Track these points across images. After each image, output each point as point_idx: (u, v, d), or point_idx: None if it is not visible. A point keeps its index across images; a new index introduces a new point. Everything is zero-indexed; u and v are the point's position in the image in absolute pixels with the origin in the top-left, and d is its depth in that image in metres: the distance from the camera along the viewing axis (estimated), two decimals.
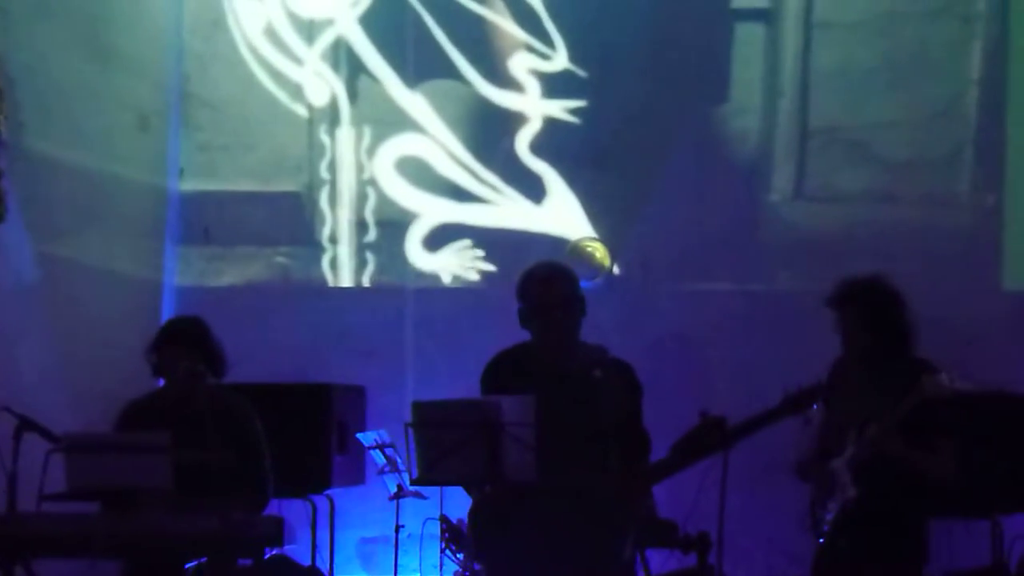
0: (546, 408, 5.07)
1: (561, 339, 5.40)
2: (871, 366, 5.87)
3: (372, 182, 8.29)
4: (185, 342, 5.97)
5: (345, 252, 8.29)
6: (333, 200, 8.30)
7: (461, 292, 8.14)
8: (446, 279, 8.21)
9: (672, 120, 7.97)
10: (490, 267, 8.16)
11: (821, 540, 5.81)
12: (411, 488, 6.83)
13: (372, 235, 8.28)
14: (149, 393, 6.22)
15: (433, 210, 8.22)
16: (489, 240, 8.17)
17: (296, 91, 8.33)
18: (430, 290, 8.17)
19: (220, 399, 5.92)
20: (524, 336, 5.64)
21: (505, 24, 8.18)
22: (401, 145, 8.27)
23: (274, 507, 6.53)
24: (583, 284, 5.65)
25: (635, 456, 5.31)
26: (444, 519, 7.02)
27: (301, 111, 8.33)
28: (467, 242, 8.17)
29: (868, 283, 5.95)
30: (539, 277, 5.54)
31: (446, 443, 4.96)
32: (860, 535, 5.72)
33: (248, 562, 5.28)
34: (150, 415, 5.95)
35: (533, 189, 8.12)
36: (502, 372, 5.51)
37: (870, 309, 5.87)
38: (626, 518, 5.24)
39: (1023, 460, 6.65)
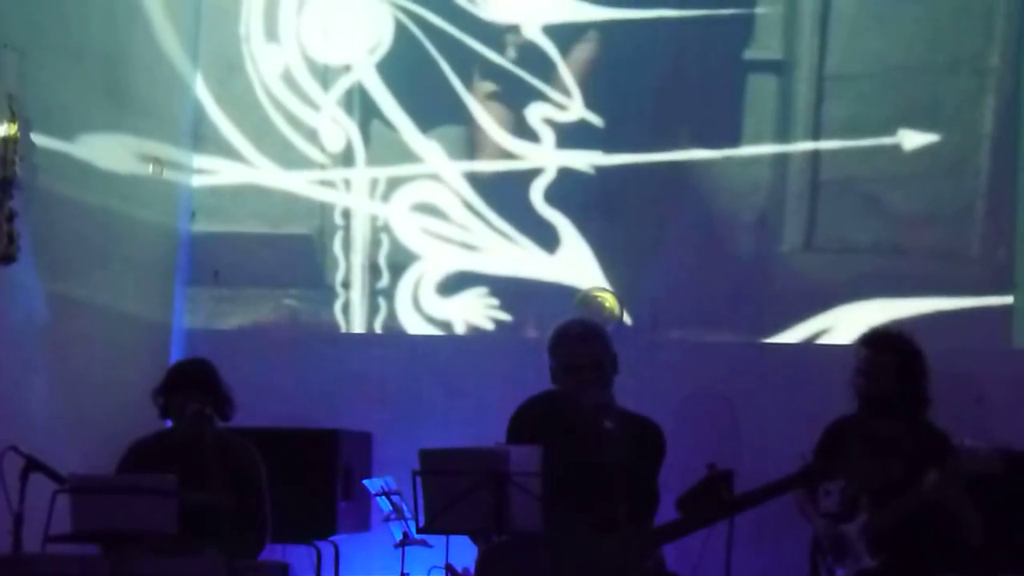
0: (558, 457, 5.07)
1: (581, 395, 5.41)
2: (886, 420, 5.86)
3: (386, 228, 8.30)
4: (194, 385, 5.99)
5: (357, 297, 8.30)
6: (347, 245, 8.31)
7: (472, 340, 8.13)
8: (459, 326, 8.20)
9: (683, 170, 7.98)
10: (502, 315, 8.16)
11: None
12: (417, 536, 6.81)
13: (385, 281, 8.28)
14: (155, 433, 6.23)
15: (446, 257, 8.23)
16: (500, 288, 8.17)
17: (311, 136, 8.36)
18: (441, 337, 8.17)
19: (226, 442, 5.93)
20: (535, 385, 5.66)
21: (521, 73, 8.21)
22: (415, 191, 8.29)
23: (279, 552, 6.53)
24: None
25: (639, 514, 5.30)
26: (450, 568, 6.98)
27: (316, 156, 8.36)
28: (483, 290, 8.17)
29: (906, 335, 6.11)
30: (572, 336, 5.58)
31: (453, 492, 4.95)
32: None
33: None
34: (155, 456, 5.96)
35: (546, 238, 8.12)
36: (529, 419, 5.54)
37: (905, 359, 5.90)
38: (632, 572, 5.22)
39: None
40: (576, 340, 5.56)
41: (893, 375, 5.94)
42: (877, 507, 5.72)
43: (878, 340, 6.05)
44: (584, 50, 8.19)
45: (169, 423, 6.21)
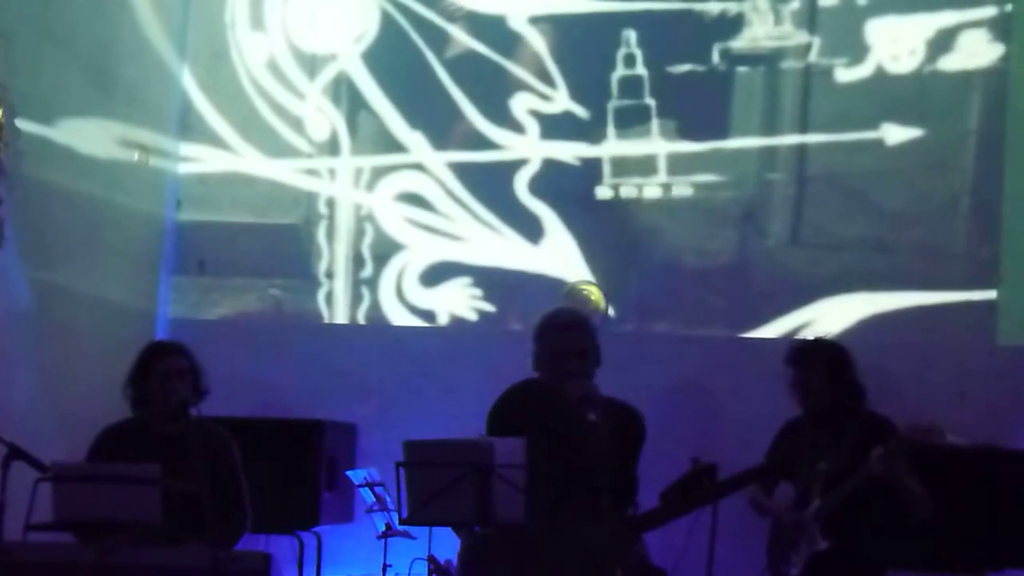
0: (541, 449, 5.07)
1: (567, 386, 5.40)
2: (829, 423, 5.98)
3: (370, 217, 8.29)
4: (174, 352, 5.96)
5: (341, 287, 8.29)
6: (330, 235, 8.31)
7: (456, 330, 8.13)
8: (442, 317, 8.20)
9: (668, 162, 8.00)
10: (486, 306, 8.16)
11: None
12: (400, 527, 6.81)
13: (368, 270, 8.28)
14: (128, 419, 6.12)
15: (430, 247, 8.23)
16: (485, 279, 8.17)
17: (297, 125, 8.36)
18: (425, 328, 8.17)
19: (200, 429, 5.89)
20: (519, 376, 5.65)
21: (507, 64, 8.21)
22: (400, 181, 8.28)
23: (261, 543, 6.53)
24: None
25: (619, 502, 5.31)
26: (432, 559, 6.99)
27: (301, 145, 8.35)
28: (467, 280, 8.17)
29: (826, 343, 6.38)
30: (559, 323, 5.57)
31: (437, 483, 4.95)
32: None
33: None
34: (128, 443, 5.91)
35: (530, 229, 8.13)
36: (510, 410, 5.53)
37: (831, 367, 6.05)
38: (616, 564, 5.23)
39: (1010, 516, 6.64)
40: (563, 327, 5.56)
41: (825, 385, 6.09)
42: (827, 493, 5.81)
43: (803, 357, 6.17)
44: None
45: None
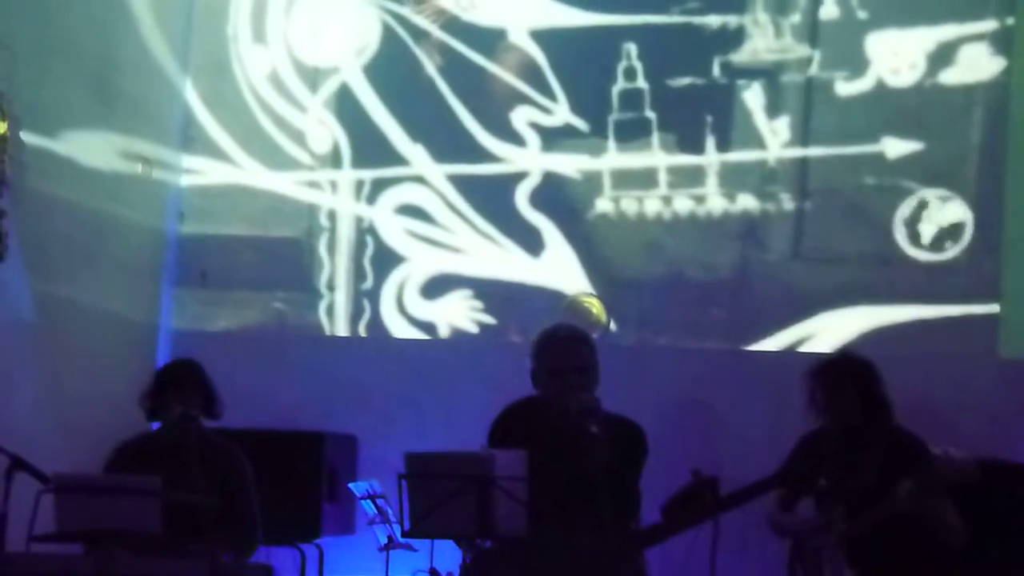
0: (543, 463, 5.06)
1: (568, 400, 5.39)
2: (854, 439, 5.90)
3: (371, 230, 8.30)
4: (183, 386, 5.99)
5: (342, 299, 8.30)
6: (332, 247, 8.32)
7: (457, 343, 8.14)
8: (443, 329, 8.21)
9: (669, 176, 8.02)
10: (486, 318, 8.16)
11: None
12: (401, 540, 6.81)
13: (369, 283, 8.28)
14: (141, 435, 6.22)
15: (431, 260, 8.24)
16: (485, 292, 8.18)
17: (298, 137, 8.37)
18: (426, 340, 8.17)
19: (211, 444, 5.93)
20: (520, 388, 5.65)
21: (507, 77, 8.23)
22: (401, 194, 8.29)
23: (263, 555, 6.51)
24: None
25: (622, 517, 5.30)
26: (434, 572, 6.99)
27: (303, 157, 8.36)
28: (467, 292, 8.18)
29: (855, 359, 6.14)
30: (559, 338, 5.55)
31: (438, 495, 4.94)
32: None
33: None
34: (141, 457, 5.95)
35: (531, 242, 8.13)
36: (510, 426, 5.52)
37: (863, 384, 5.94)
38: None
39: (1011, 529, 6.62)
40: (563, 342, 5.53)
41: (856, 403, 5.97)
42: (851, 517, 5.74)
43: (834, 373, 6.02)
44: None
45: (156, 426, 6.21)
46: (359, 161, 8.36)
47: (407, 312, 8.25)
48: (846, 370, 6.05)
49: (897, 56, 7.86)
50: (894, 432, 5.93)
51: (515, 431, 5.45)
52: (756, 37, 8.03)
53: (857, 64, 7.88)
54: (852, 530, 5.70)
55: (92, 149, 7.56)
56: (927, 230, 7.76)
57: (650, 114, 8.06)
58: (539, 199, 8.15)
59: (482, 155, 8.23)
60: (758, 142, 7.98)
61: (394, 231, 8.30)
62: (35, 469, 5.36)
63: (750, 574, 6.20)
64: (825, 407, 5.99)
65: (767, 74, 8.01)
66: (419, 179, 8.29)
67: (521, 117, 8.20)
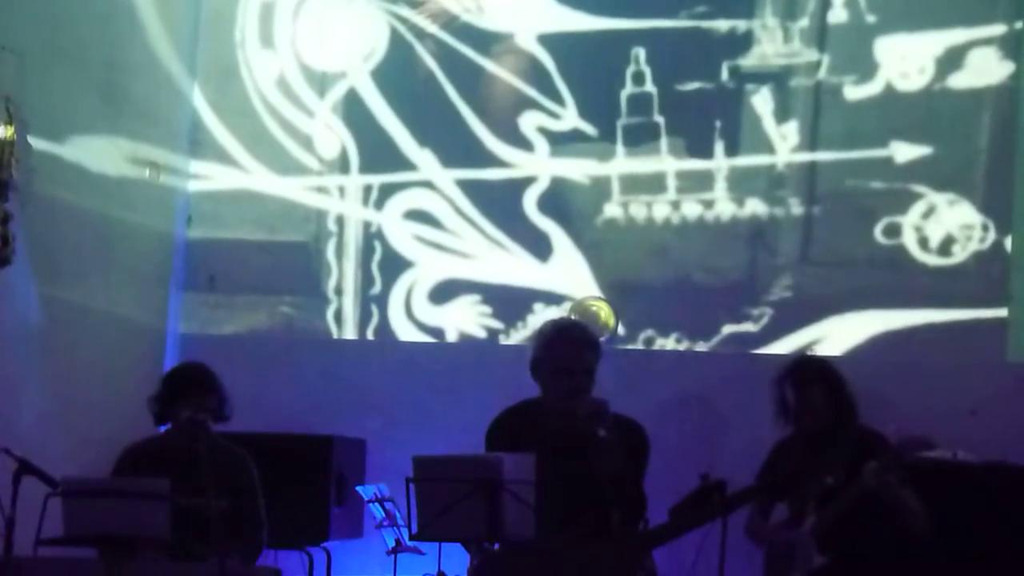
0: (548, 466, 5.05)
1: (576, 403, 5.38)
2: (822, 441, 5.94)
3: (379, 235, 8.30)
4: (192, 390, 5.99)
5: (350, 304, 8.30)
6: (340, 252, 8.32)
7: (465, 347, 8.14)
8: (451, 334, 8.20)
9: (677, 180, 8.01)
10: (494, 323, 8.16)
11: None
12: (409, 543, 6.80)
13: (377, 288, 8.28)
14: (148, 439, 6.22)
15: (439, 264, 8.24)
16: (494, 296, 8.18)
17: (306, 142, 8.37)
18: (434, 344, 8.17)
19: (219, 448, 5.93)
20: (527, 392, 5.64)
21: (515, 81, 8.23)
22: (409, 199, 8.29)
23: (270, 558, 6.52)
24: None
25: (629, 519, 5.30)
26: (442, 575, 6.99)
27: (311, 162, 8.36)
28: (476, 297, 8.17)
29: (821, 361, 6.28)
30: (575, 339, 5.53)
31: (446, 499, 4.94)
32: None
33: None
34: (149, 461, 5.96)
35: (539, 247, 8.13)
36: (508, 430, 5.50)
37: (831, 384, 5.99)
38: None
39: (1020, 533, 6.62)
40: (577, 344, 5.51)
41: (826, 404, 6.01)
42: (822, 508, 5.79)
43: (809, 377, 6.07)
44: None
45: (163, 429, 6.21)
46: (367, 166, 8.35)
47: (415, 317, 8.24)
48: (814, 368, 6.14)
49: (906, 60, 7.86)
50: (859, 430, 5.98)
51: (515, 435, 5.43)
52: (765, 41, 8.03)
53: (866, 68, 7.88)
54: (822, 517, 5.75)
55: (100, 154, 7.56)
56: (936, 234, 7.76)
57: (658, 119, 8.06)
58: (547, 204, 8.15)
59: (490, 160, 8.23)
60: (767, 146, 7.98)
61: (402, 236, 8.29)
62: (43, 473, 5.36)
63: None
64: (797, 407, 6.03)
65: (776, 78, 8.01)
66: (427, 184, 8.29)
67: (529, 122, 8.20)
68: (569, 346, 5.49)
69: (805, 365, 6.19)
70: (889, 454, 5.66)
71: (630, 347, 7.85)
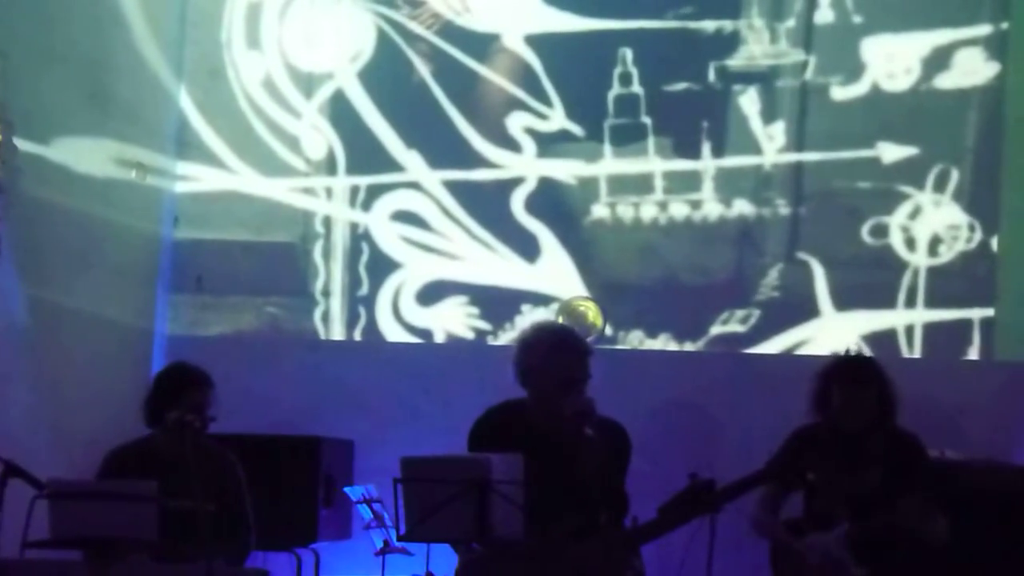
0: (535, 467, 5.05)
1: (562, 402, 5.38)
2: (851, 438, 5.88)
3: (366, 236, 8.29)
4: (181, 392, 5.98)
5: (337, 305, 8.29)
6: (327, 253, 8.31)
7: (452, 348, 8.13)
8: (438, 336, 8.20)
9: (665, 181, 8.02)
10: (482, 324, 8.15)
11: None
12: (398, 544, 6.80)
13: (365, 289, 8.27)
14: (132, 442, 6.18)
15: (426, 266, 8.23)
16: (481, 297, 8.17)
17: (293, 143, 8.36)
18: (422, 345, 8.17)
19: (206, 449, 5.91)
20: (516, 393, 5.63)
21: (503, 82, 8.22)
22: (396, 200, 8.28)
23: (259, 560, 6.52)
24: None
25: (614, 517, 5.30)
26: None
27: (298, 163, 8.35)
28: (463, 298, 8.17)
29: (874, 364, 6.12)
30: (578, 349, 5.52)
31: (434, 500, 4.93)
32: None
33: None
34: (135, 464, 5.93)
35: (527, 248, 8.13)
36: (493, 430, 5.50)
37: (883, 391, 5.91)
38: None
39: (1010, 532, 6.62)
40: (582, 354, 5.50)
41: (877, 406, 5.94)
42: (856, 515, 5.74)
43: (866, 378, 5.97)
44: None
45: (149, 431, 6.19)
46: (354, 167, 8.34)
47: (403, 318, 8.23)
48: (867, 371, 6.03)
49: (892, 61, 7.87)
50: (893, 431, 5.92)
51: (500, 435, 5.42)
52: (751, 42, 8.03)
53: (852, 69, 7.89)
54: (857, 532, 5.69)
55: (86, 155, 7.54)
56: (922, 234, 7.78)
57: (646, 119, 8.06)
58: (535, 205, 8.15)
59: (477, 161, 8.22)
60: (754, 147, 7.98)
61: (389, 237, 8.29)
62: (29, 475, 5.34)
63: (746, 573, 6.19)
64: (841, 406, 5.95)
65: (762, 79, 8.01)
66: (414, 185, 8.28)
67: (516, 123, 8.20)
68: (574, 356, 5.48)
69: (858, 367, 6.07)
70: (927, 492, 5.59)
71: (618, 347, 7.85)
